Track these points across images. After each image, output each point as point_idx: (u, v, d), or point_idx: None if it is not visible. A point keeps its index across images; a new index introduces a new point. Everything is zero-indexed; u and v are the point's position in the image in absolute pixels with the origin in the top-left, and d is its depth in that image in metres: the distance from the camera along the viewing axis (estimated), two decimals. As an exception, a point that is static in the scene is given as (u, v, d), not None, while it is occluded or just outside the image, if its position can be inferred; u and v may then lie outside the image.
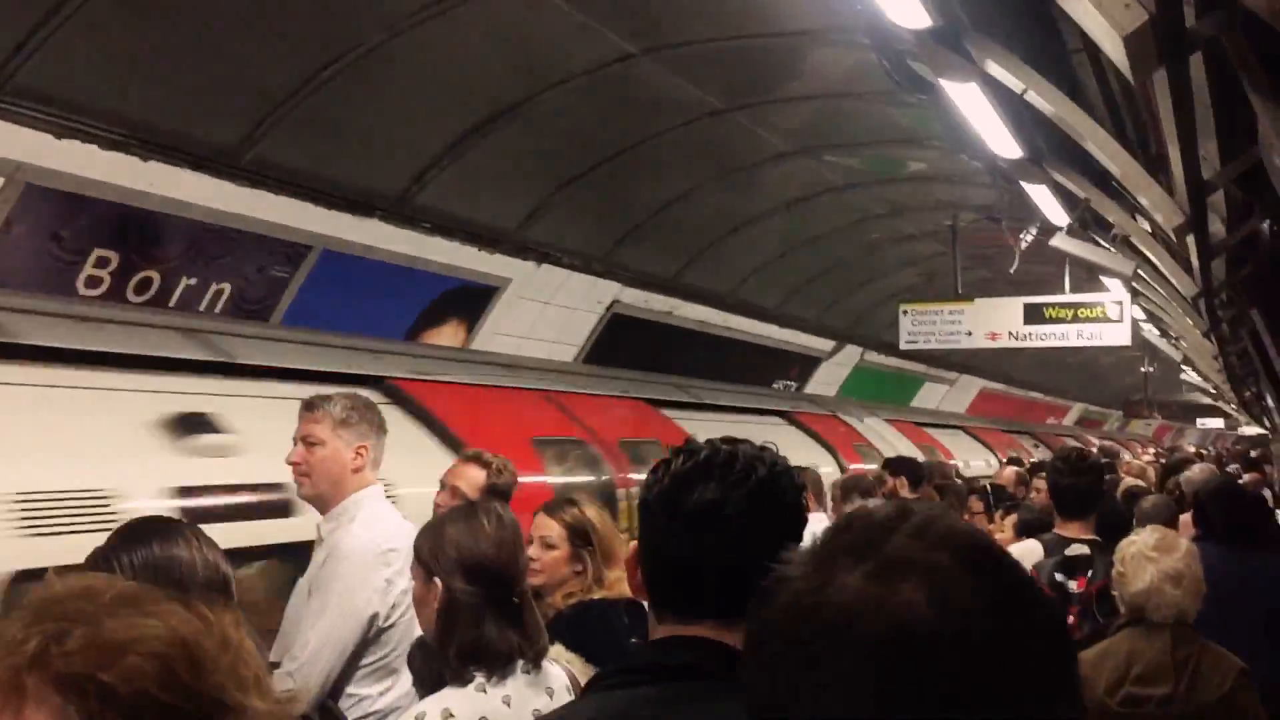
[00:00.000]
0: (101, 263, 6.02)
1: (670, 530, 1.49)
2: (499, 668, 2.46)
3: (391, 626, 3.24)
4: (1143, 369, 22.17)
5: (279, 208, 6.66)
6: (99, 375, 4.86)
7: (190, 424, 4.86)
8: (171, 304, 6.52)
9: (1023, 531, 5.65)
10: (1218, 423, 30.48)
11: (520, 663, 2.49)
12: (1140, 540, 3.46)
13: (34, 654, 0.97)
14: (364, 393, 4.01)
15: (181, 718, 0.99)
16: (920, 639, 0.74)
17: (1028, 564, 4.40)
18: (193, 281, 6.57)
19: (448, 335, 9.25)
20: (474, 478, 4.11)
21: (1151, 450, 23.02)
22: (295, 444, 3.44)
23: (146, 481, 4.41)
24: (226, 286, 6.84)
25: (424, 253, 8.04)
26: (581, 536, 3.45)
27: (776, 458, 1.55)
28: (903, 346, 11.05)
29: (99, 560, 2.21)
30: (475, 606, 2.48)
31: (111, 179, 5.71)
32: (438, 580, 2.52)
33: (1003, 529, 5.99)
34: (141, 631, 1.00)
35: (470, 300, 9.06)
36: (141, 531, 2.29)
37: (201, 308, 6.74)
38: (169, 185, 5.98)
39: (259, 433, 4.88)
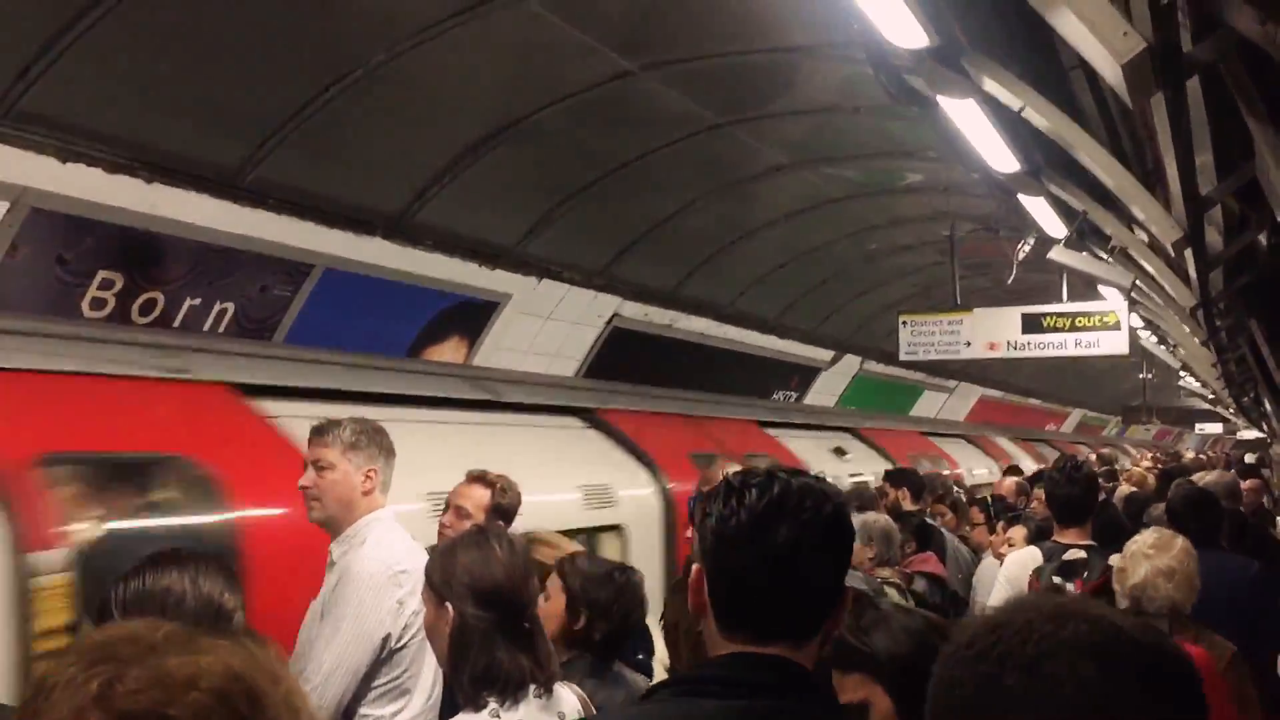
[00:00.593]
0: (106, 284, 6.05)
1: (749, 563, 1.63)
2: (511, 692, 2.47)
3: (404, 648, 3.26)
4: (1141, 375, 22.12)
5: (281, 227, 6.69)
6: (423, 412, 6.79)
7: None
8: (175, 324, 6.55)
9: (1034, 540, 5.70)
10: (1216, 427, 30.52)
11: (532, 687, 2.50)
12: (1140, 539, 3.81)
13: (96, 694, 0.98)
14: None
15: None
16: None
17: (1029, 569, 4.60)
18: (196, 302, 6.60)
19: (449, 351, 9.26)
20: (479, 497, 4.12)
21: (1150, 455, 23.04)
22: (306, 468, 3.46)
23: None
24: (230, 306, 6.87)
25: (425, 270, 8.08)
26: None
27: (834, 491, 1.72)
28: (902, 358, 10.98)
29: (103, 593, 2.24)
30: (487, 632, 2.50)
31: (116, 201, 5.74)
32: (449, 606, 2.53)
33: (1012, 540, 5.97)
34: (201, 668, 1.03)
35: (471, 316, 9.10)
36: (143, 563, 2.32)
37: (205, 328, 6.77)
38: (172, 207, 6.01)
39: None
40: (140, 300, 6.27)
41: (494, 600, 2.52)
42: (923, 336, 10.76)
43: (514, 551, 2.60)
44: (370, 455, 3.47)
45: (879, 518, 5.42)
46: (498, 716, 2.44)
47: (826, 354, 14.31)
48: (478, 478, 4.23)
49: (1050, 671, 0.99)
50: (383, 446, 3.52)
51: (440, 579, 2.58)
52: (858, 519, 4.65)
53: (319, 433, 3.48)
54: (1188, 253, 4.58)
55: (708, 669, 1.65)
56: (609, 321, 10.34)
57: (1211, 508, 5.30)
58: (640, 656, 3.74)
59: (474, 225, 8.12)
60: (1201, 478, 8.60)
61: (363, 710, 3.20)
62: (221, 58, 5.55)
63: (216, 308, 6.78)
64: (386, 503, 3.53)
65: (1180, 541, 3.79)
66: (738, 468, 4.02)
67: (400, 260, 7.77)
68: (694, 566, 1.72)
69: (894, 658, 2.08)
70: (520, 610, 2.55)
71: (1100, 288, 10.18)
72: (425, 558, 3.35)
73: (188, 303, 6.55)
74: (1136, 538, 3.86)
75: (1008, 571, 4.94)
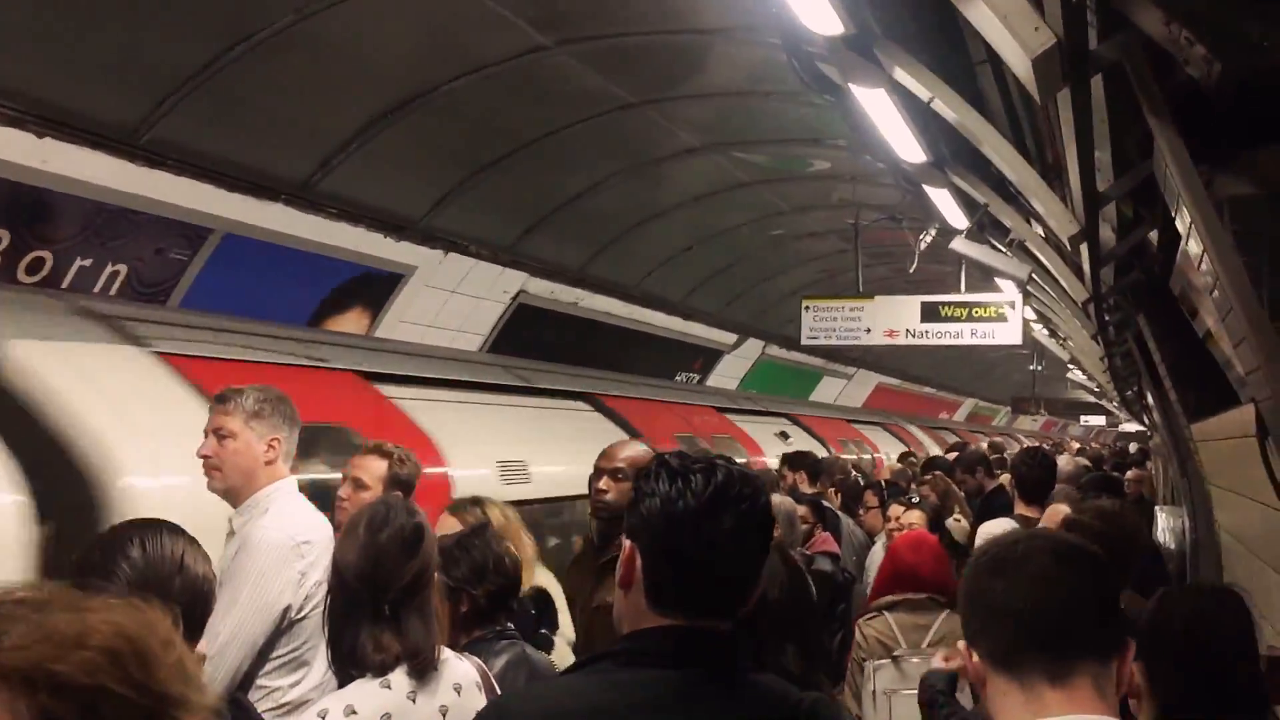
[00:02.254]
0: (-9, 241, 5.82)
1: (694, 546, 1.71)
2: (381, 675, 2.43)
3: (304, 619, 3.18)
4: (1031, 367, 22.71)
5: (179, 189, 6.51)
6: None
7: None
8: (64, 285, 6.32)
9: (931, 523, 6.00)
10: (1100, 420, 31.66)
11: (404, 667, 2.45)
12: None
13: None
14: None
15: (134, 711, 1.00)
16: None
17: None
18: (87, 263, 6.39)
19: (351, 322, 9.17)
20: (375, 469, 4.07)
21: (1037, 445, 23.73)
22: (206, 436, 3.38)
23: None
24: (123, 268, 6.66)
25: (328, 238, 7.95)
26: None
27: (762, 481, 1.81)
28: (804, 341, 11.09)
29: (93, 563, 2.15)
30: (348, 609, 2.47)
31: (4, 155, 5.52)
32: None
33: (908, 519, 6.10)
34: (89, 626, 1.00)
35: (375, 288, 8.98)
36: (131, 528, 2.24)
37: (96, 289, 6.55)
38: (65, 163, 5.79)
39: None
40: (28, 259, 6.04)
41: (352, 576, 2.48)
42: (825, 322, 10.86)
43: (384, 525, 2.51)
44: (274, 424, 3.39)
45: (784, 500, 5.46)
46: (388, 687, 2.40)
47: (730, 337, 14.40)
48: (375, 449, 4.16)
49: (1027, 562, 1.68)
50: (286, 415, 3.43)
51: (336, 550, 2.57)
52: None
53: (221, 400, 3.39)
54: (1083, 248, 4.73)
55: (649, 641, 1.71)
56: (515, 298, 10.30)
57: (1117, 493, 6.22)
58: (543, 630, 3.72)
59: (380, 195, 8.01)
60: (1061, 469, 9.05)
61: (260, 681, 3.13)
62: (121, 11, 5.36)
63: (109, 269, 6.57)
64: (289, 472, 3.44)
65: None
66: (642, 448, 3.94)
67: (303, 228, 7.63)
68: (627, 543, 1.77)
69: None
70: (381, 591, 2.47)
71: (997, 280, 10.40)
72: (329, 529, 3.34)
73: (78, 263, 6.33)
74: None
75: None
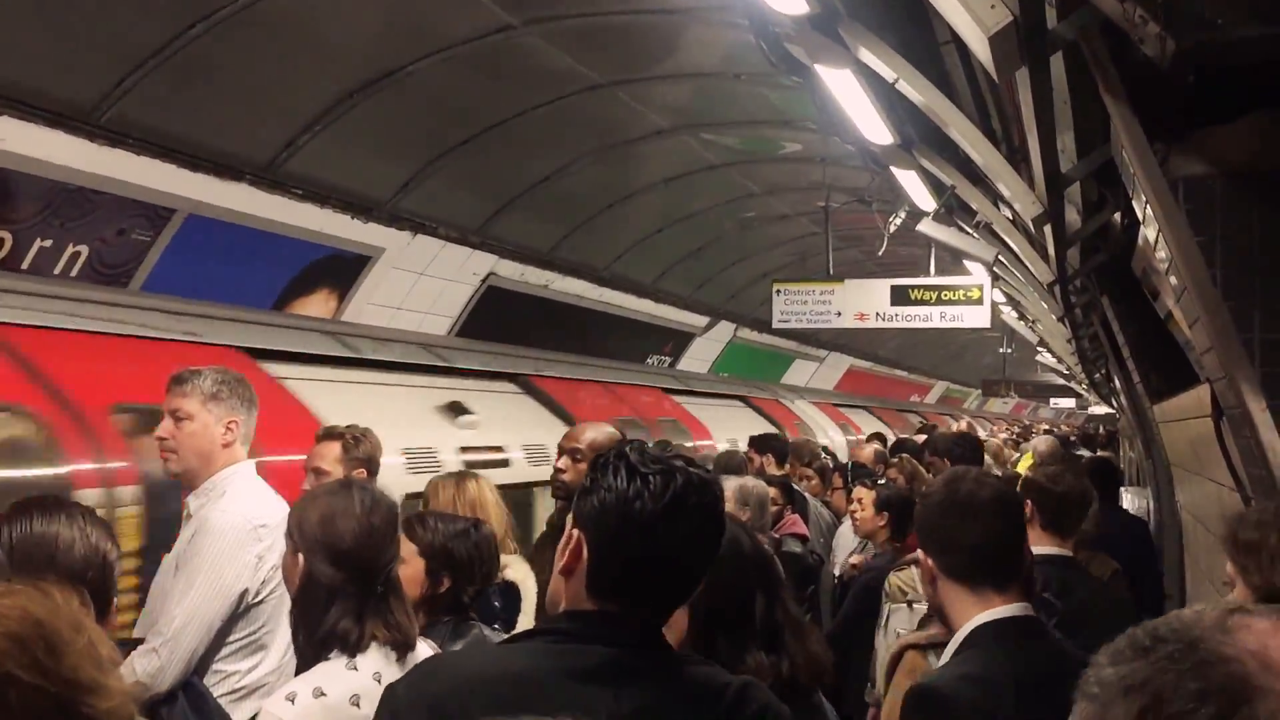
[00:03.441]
0: (-53, 222, 5.73)
1: (647, 548, 1.70)
2: (351, 656, 2.40)
3: (261, 602, 3.19)
4: (1001, 350, 22.71)
5: (140, 169, 6.41)
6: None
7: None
8: (24, 266, 6.23)
9: (882, 505, 5.84)
10: (1069, 402, 31.87)
11: (385, 647, 2.43)
12: None
13: None
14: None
15: (43, 699, 0.98)
16: None
17: None
18: (47, 244, 6.29)
19: (318, 305, 9.08)
20: (330, 453, 4.06)
21: (1006, 428, 23.83)
22: (164, 418, 3.34)
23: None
24: (84, 249, 6.57)
25: (294, 220, 7.86)
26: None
27: (717, 482, 1.80)
28: (775, 325, 11.14)
29: None
30: (333, 590, 2.40)
31: (-41, 134, 5.44)
32: (301, 557, 2.45)
33: (861, 503, 6.09)
34: None
35: (342, 269, 8.90)
36: (23, 506, 2.23)
37: (57, 271, 6.46)
38: (22, 142, 5.70)
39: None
40: (-14, 240, 5.95)
41: (345, 557, 2.42)
42: (796, 305, 10.90)
43: (374, 509, 2.47)
44: (231, 406, 3.36)
45: (757, 484, 5.38)
46: (355, 669, 2.38)
47: (701, 320, 14.38)
48: (327, 434, 4.16)
49: (971, 498, 2.35)
50: (244, 397, 3.40)
51: (295, 526, 2.49)
52: (733, 482, 4.75)
53: (178, 382, 3.35)
54: (1047, 229, 4.73)
55: (584, 621, 1.71)
56: (484, 280, 10.23)
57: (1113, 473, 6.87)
58: (503, 619, 3.67)
59: (347, 176, 7.93)
60: (1035, 448, 9.38)
61: (216, 665, 3.11)
62: (79, -13, 5.27)
63: (69, 250, 6.48)
64: (246, 455, 3.43)
65: None
66: (608, 431, 3.93)
67: (268, 208, 7.54)
68: (574, 531, 1.75)
69: None
70: (372, 573, 2.43)
71: (966, 262, 10.44)
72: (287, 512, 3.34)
73: (38, 244, 6.24)
74: None
75: None
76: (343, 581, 2.40)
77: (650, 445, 1.80)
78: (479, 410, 7.72)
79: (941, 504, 2.35)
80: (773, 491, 6.21)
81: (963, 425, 14.99)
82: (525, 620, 3.82)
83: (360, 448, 4.10)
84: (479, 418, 7.62)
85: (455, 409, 7.58)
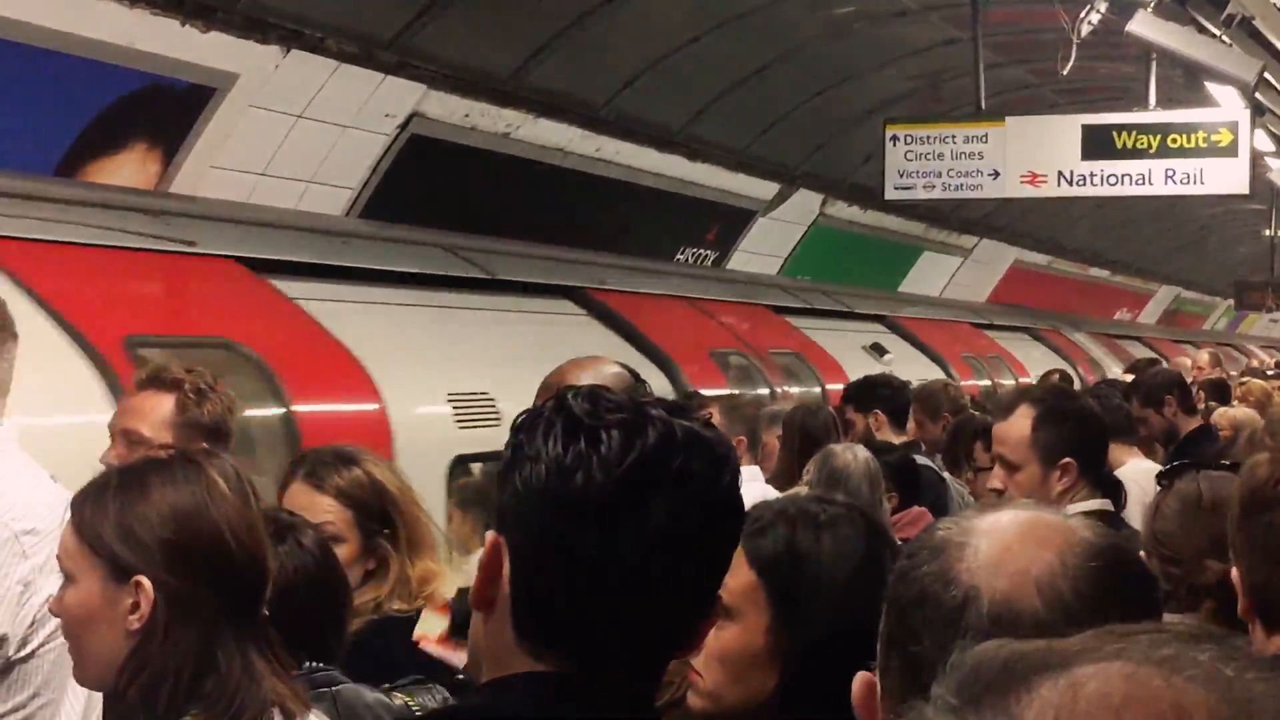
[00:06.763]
0: None
1: (595, 550, 1.25)
2: None
3: (30, 657, 2.58)
4: (1267, 233, 19.02)
5: None
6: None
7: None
8: None
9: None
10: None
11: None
12: None
13: None
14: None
15: None
16: None
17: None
18: None
19: (131, 169, 7.32)
20: (157, 413, 3.19)
21: (1276, 361, 19.31)
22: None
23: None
24: None
25: (89, 31, 6.34)
26: (373, 514, 2.83)
27: (729, 445, 1.34)
28: (890, 195, 9.15)
29: None
30: (207, 622, 1.89)
31: None
32: (141, 580, 1.87)
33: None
34: None
35: (167, 110, 7.22)
36: None
37: None
38: None
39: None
40: None
41: (222, 569, 1.92)
42: (924, 161, 9.15)
43: (241, 491, 1.98)
44: None
45: (858, 456, 4.57)
46: None
47: (765, 188, 11.92)
48: (151, 380, 3.30)
49: None
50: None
51: (115, 533, 1.90)
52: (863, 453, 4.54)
53: None
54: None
55: (510, 697, 1.27)
56: (404, 125, 8.05)
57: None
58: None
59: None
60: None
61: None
62: None
63: None
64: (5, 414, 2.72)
65: None
66: (611, 370, 3.39)
67: (45, 12, 6.04)
68: (490, 536, 1.32)
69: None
70: (259, 585, 1.96)
71: (1209, 86, 8.77)
72: (65, 508, 2.75)
73: None
74: None
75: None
76: (221, 604, 1.96)
77: (641, 391, 1.56)
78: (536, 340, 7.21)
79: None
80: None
81: (1203, 358, 12.69)
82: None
83: (204, 406, 3.27)
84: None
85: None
